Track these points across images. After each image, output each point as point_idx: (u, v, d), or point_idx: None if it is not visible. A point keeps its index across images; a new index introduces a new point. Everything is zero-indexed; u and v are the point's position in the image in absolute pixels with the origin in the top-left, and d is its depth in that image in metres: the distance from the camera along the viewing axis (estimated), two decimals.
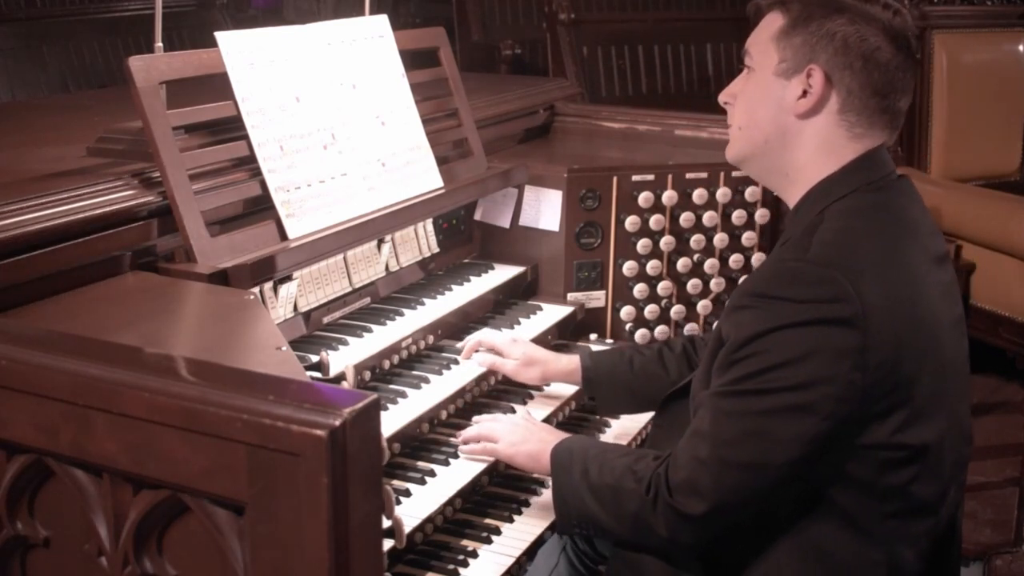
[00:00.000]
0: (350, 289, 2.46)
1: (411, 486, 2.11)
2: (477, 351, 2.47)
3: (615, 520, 1.89)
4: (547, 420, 2.45)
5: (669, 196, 2.90)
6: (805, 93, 1.86)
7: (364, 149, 2.49)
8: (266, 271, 2.11)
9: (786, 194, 1.96)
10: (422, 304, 2.58)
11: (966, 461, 1.93)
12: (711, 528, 1.79)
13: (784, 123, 1.89)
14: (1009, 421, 4.43)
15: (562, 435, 2.11)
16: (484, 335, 2.50)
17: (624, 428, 2.56)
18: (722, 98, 2.02)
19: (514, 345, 2.46)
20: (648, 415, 2.59)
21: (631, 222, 2.90)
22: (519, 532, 2.15)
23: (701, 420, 1.79)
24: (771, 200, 2.94)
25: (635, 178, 2.90)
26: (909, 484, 1.77)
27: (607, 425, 2.58)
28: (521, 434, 2.15)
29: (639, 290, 2.94)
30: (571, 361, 2.43)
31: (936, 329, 1.79)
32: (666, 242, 2.93)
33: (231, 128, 2.25)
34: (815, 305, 1.69)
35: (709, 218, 2.93)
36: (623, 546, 1.98)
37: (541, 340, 2.67)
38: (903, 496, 1.77)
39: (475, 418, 2.28)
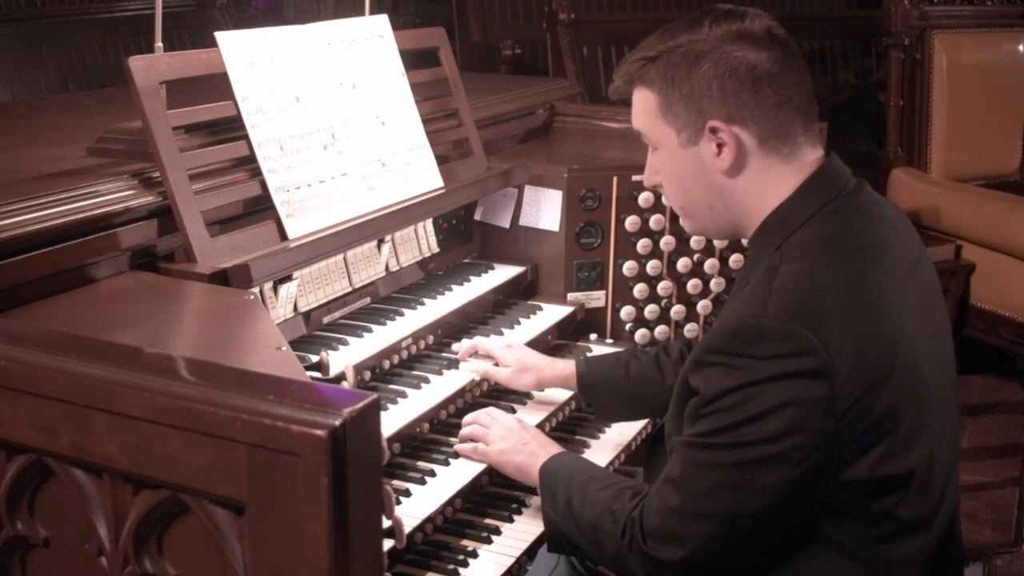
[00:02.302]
0: (350, 289, 2.46)
1: (411, 486, 2.11)
2: (473, 355, 2.47)
3: (597, 555, 1.91)
4: (546, 421, 2.45)
5: None
6: (720, 148, 1.79)
7: (364, 149, 2.49)
8: (266, 271, 2.11)
9: (746, 233, 1.90)
10: (422, 304, 2.58)
11: (957, 462, 1.90)
12: (689, 572, 1.77)
13: (718, 184, 1.83)
14: (1009, 421, 4.43)
15: (552, 447, 2.11)
16: (479, 341, 2.49)
17: (622, 432, 2.55)
18: (648, 185, 1.97)
19: (509, 351, 2.44)
20: (644, 419, 2.60)
21: (631, 222, 2.90)
22: (519, 532, 2.15)
23: (672, 467, 1.76)
24: None
25: (635, 178, 2.90)
26: (896, 507, 1.74)
27: (607, 426, 2.58)
28: (512, 443, 2.13)
29: (639, 290, 2.94)
30: (566, 367, 2.42)
31: (913, 354, 1.73)
32: (666, 242, 2.93)
33: (231, 128, 2.25)
34: (781, 360, 1.65)
35: None
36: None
37: (541, 340, 2.67)
38: (893, 519, 1.75)
39: (467, 416, 2.28)
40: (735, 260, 2.97)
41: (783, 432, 1.65)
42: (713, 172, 1.82)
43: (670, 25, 1.84)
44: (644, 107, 1.86)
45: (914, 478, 1.74)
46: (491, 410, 2.27)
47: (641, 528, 1.77)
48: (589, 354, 2.63)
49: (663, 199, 1.96)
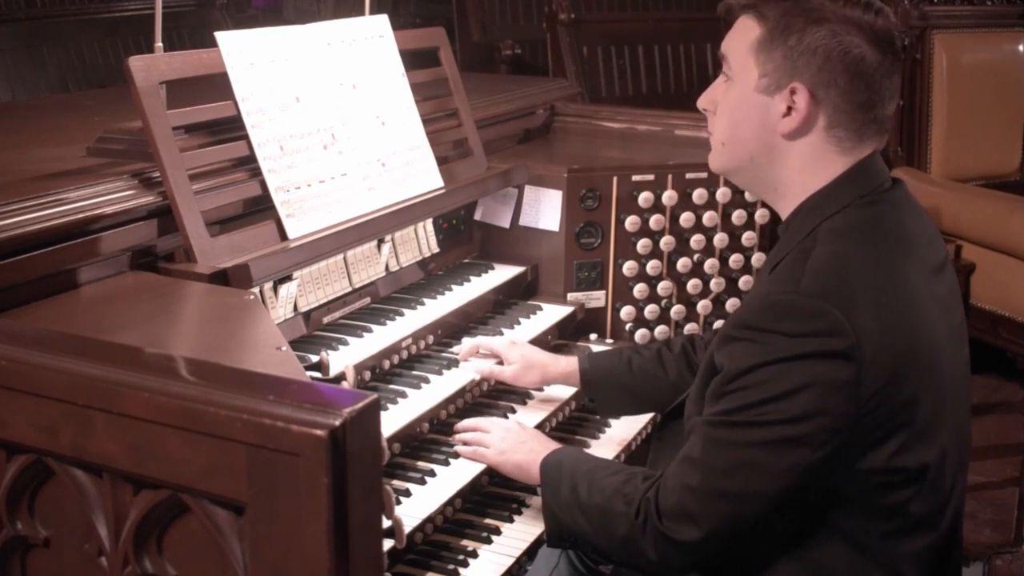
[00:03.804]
0: (350, 289, 2.46)
1: (411, 486, 2.11)
2: (476, 355, 2.47)
3: (605, 541, 1.89)
4: (547, 421, 2.45)
5: (669, 196, 2.90)
6: (789, 110, 1.79)
7: (364, 149, 2.49)
8: (266, 271, 2.11)
9: (776, 206, 1.91)
10: (422, 304, 2.58)
11: (966, 464, 1.91)
12: (702, 553, 1.77)
13: (770, 141, 1.83)
14: (1009, 421, 4.43)
15: (552, 445, 2.11)
16: (481, 340, 2.49)
17: (622, 431, 2.56)
18: (701, 104, 1.94)
19: (512, 348, 2.45)
20: (647, 417, 2.60)
21: (631, 222, 2.90)
22: (519, 532, 2.15)
23: (692, 447, 1.76)
24: None
25: (635, 178, 2.90)
26: (908, 503, 1.74)
27: (607, 425, 2.58)
28: (511, 442, 2.14)
29: (639, 290, 2.94)
30: (570, 363, 2.42)
31: (935, 348, 1.75)
32: (666, 242, 2.93)
33: (231, 128, 2.25)
34: (809, 339, 1.65)
35: (709, 218, 2.94)
36: (615, 563, 1.97)
37: (541, 340, 2.67)
38: (903, 515, 1.75)
39: (466, 422, 2.28)
40: (735, 260, 2.97)
41: (806, 413, 1.65)
42: (772, 130, 1.81)
43: None
44: (744, 35, 1.83)
45: (927, 474, 1.74)
46: (491, 419, 2.28)
47: (657, 507, 1.77)
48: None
49: (709, 126, 1.94)
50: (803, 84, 1.77)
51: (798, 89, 1.78)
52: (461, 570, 2.02)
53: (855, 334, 1.64)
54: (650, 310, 2.94)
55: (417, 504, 2.07)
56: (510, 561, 2.06)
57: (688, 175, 2.92)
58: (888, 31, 1.80)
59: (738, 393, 1.70)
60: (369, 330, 2.40)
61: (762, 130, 1.83)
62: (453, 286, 2.71)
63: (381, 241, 2.53)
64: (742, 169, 1.90)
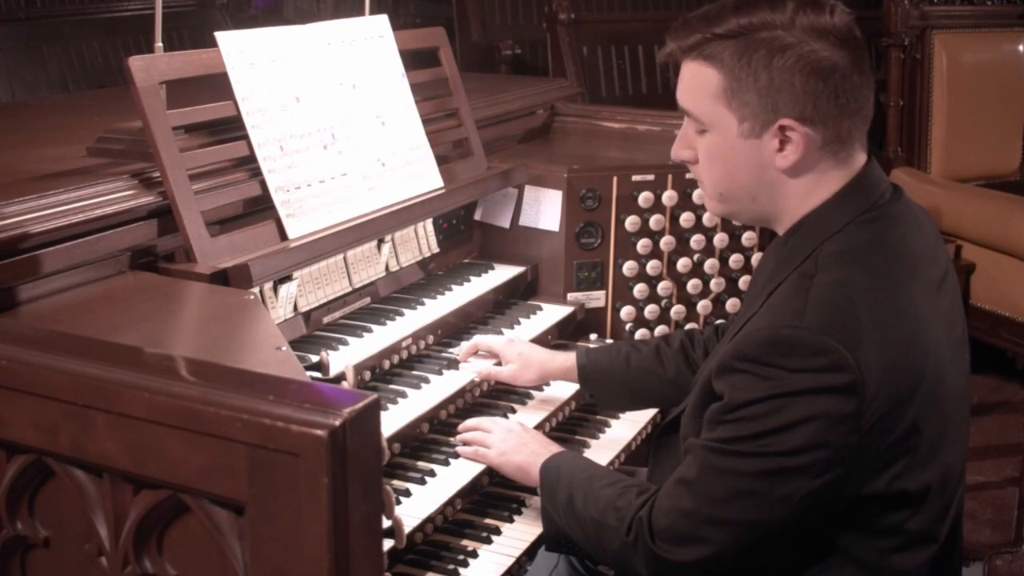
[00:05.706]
0: (350, 289, 2.46)
1: (411, 486, 2.11)
2: (475, 355, 2.47)
3: (599, 553, 1.89)
4: (546, 421, 2.45)
5: (669, 196, 2.90)
6: (782, 144, 1.72)
7: (364, 149, 2.49)
8: (266, 271, 2.11)
9: (774, 226, 1.86)
10: (422, 304, 2.58)
11: (965, 470, 1.88)
12: (696, 574, 1.75)
13: (771, 179, 1.76)
14: (1009, 421, 4.43)
15: (553, 447, 2.11)
16: (479, 339, 2.50)
17: (622, 432, 2.56)
18: (679, 157, 1.85)
19: (511, 345, 2.45)
20: (646, 416, 2.60)
21: (631, 222, 2.90)
22: (519, 532, 2.15)
23: (688, 469, 1.73)
24: None
25: (635, 178, 2.90)
26: (909, 520, 1.73)
27: (607, 426, 2.58)
28: (512, 443, 2.14)
29: (639, 290, 2.94)
30: (567, 359, 2.42)
31: (940, 371, 1.71)
32: (666, 242, 2.93)
33: (231, 128, 2.25)
34: (811, 375, 1.62)
35: (709, 218, 2.93)
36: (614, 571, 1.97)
37: (541, 340, 2.67)
38: (904, 532, 1.73)
39: (468, 421, 2.28)
40: (735, 260, 2.97)
41: (807, 445, 1.62)
42: (769, 167, 1.75)
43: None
44: (702, 86, 1.74)
45: (929, 494, 1.72)
46: (494, 418, 2.28)
47: (650, 527, 1.75)
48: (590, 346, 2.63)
49: (693, 175, 1.87)
50: (791, 118, 1.70)
51: (789, 124, 1.70)
52: (461, 570, 2.02)
53: (859, 368, 1.60)
54: (650, 310, 2.94)
55: (417, 504, 2.08)
56: (510, 561, 2.06)
57: (688, 175, 2.91)
58: (849, 27, 1.71)
59: (738, 423, 1.67)
60: (369, 330, 2.40)
61: (760, 171, 1.76)
62: (453, 286, 2.71)
63: (381, 241, 2.53)
64: (746, 209, 1.85)
